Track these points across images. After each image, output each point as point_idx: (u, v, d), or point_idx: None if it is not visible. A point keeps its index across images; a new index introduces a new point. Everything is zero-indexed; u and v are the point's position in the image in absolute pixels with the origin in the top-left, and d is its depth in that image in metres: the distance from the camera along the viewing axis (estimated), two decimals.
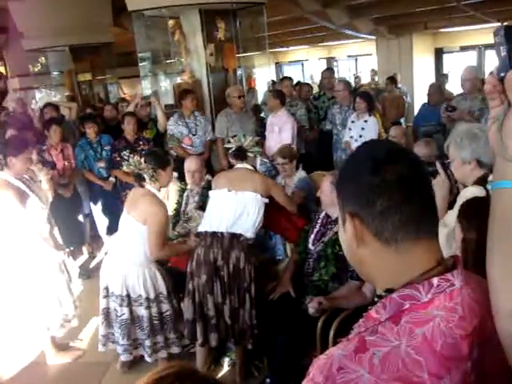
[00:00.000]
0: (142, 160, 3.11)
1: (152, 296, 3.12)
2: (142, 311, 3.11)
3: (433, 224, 0.87)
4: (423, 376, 0.73)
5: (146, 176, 3.09)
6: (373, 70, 10.58)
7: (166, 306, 3.19)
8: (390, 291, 0.83)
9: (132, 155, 4.51)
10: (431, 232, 0.85)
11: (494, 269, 0.77)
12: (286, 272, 3.21)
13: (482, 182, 2.30)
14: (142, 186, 3.12)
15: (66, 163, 5.10)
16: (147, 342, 3.14)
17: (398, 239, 0.82)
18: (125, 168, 3.18)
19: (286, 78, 6.38)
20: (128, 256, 3.10)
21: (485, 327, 0.80)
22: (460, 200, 2.31)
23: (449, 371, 0.75)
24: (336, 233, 2.91)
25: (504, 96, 0.76)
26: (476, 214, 1.71)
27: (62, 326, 3.48)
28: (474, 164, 2.33)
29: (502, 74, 0.74)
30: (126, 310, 3.09)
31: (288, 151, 4.02)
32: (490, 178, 2.27)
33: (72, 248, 5.17)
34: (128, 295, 3.09)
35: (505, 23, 0.78)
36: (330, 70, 7.18)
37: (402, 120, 7.94)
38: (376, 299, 0.86)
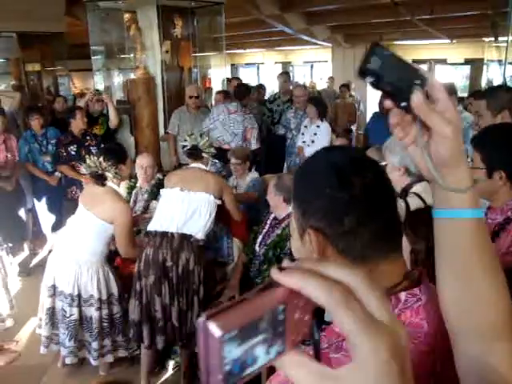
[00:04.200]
0: (101, 159, 2.98)
1: (104, 297, 3.02)
2: (91, 312, 2.99)
3: (399, 239, 0.83)
4: None
5: (109, 174, 2.97)
6: (330, 78, 10.71)
7: (116, 308, 3.10)
8: None
9: (84, 152, 4.39)
10: (397, 247, 0.82)
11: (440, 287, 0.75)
12: (235, 275, 3.18)
13: (403, 193, 2.36)
14: (104, 185, 2.99)
15: (9, 155, 4.85)
16: (94, 345, 3.03)
17: (366, 258, 0.77)
18: (84, 170, 3.02)
19: (234, 78, 6.37)
20: (82, 254, 2.97)
21: (446, 341, 0.78)
22: None
23: None
24: (278, 235, 2.90)
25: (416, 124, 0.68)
26: (422, 225, 1.73)
27: None
28: (402, 171, 2.41)
29: (404, 104, 0.66)
30: (75, 311, 2.97)
31: (241, 152, 4.01)
32: (414, 188, 2.33)
33: (11, 244, 4.94)
34: (79, 295, 2.96)
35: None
36: (285, 74, 7.22)
37: (353, 127, 8.09)
38: None
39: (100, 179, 2.98)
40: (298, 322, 0.40)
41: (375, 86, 0.67)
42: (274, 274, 0.40)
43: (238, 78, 6.24)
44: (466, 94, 8.08)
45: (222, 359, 0.35)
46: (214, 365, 0.35)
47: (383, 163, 2.43)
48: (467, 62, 11.38)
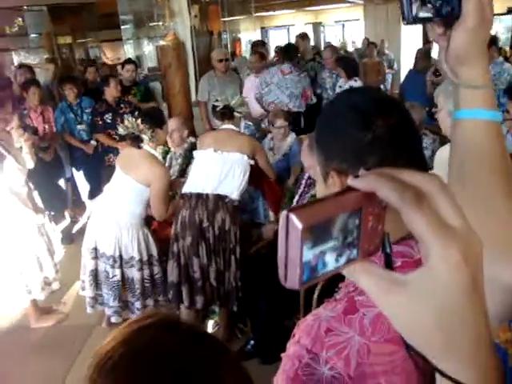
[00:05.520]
0: (139, 121, 3.03)
1: (145, 258, 3.10)
2: (133, 273, 3.08)
3: None
4: None
5: (145, 137, 3.02)
6: (365, 39, 10.36)
7: (156, 269, 3.18)
8: None
9: (119, 120, 4.43)
10: None
11: None
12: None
13: None
14: (140, 148, 3.05)
15: (47, 126, 4.96)
16: (137, 305, 3.13)
17: None
18: (121, 131, 3.08)
19: (258, 42, 6.27)
20: (122, 217, 3.04)
21: None
22: (439, 160, 2.26)
23: None
24: (312, 196, 2.89)
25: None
26: None
27: (42, 290, 3.43)
28: None
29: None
30: (117, 272, 3.06)
31: (286, 113, 4.00)
32: None
33: (53, 213, 5.10)
34: (120, 256, 3.05)
35: None
36: (300, 35, 7.01)
37: (382, 86, 7.87)
38: None
39: (136, 141, 3.02)
40: (372, 231, 0.40)
41: (424, 20, 0.66)
42: (350, 180, 0.39)
43: (262, 42, 6.13)
44: (507, 48, 7.73)
45: (302, 252, 0.35)
46: (293, 258, 0.36)
47: (435, 110, 2.33)
48: (510, 11, 10.73)
